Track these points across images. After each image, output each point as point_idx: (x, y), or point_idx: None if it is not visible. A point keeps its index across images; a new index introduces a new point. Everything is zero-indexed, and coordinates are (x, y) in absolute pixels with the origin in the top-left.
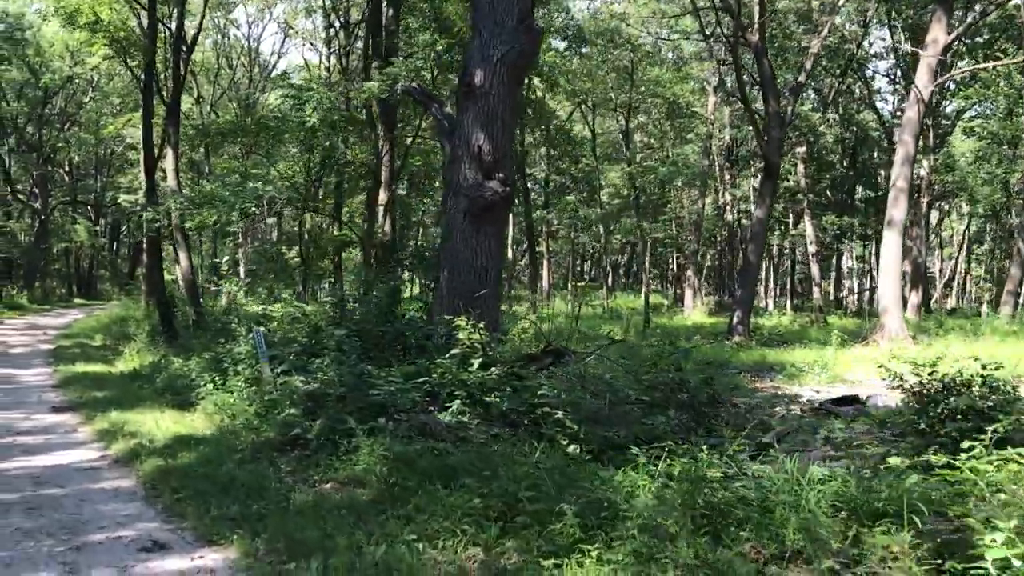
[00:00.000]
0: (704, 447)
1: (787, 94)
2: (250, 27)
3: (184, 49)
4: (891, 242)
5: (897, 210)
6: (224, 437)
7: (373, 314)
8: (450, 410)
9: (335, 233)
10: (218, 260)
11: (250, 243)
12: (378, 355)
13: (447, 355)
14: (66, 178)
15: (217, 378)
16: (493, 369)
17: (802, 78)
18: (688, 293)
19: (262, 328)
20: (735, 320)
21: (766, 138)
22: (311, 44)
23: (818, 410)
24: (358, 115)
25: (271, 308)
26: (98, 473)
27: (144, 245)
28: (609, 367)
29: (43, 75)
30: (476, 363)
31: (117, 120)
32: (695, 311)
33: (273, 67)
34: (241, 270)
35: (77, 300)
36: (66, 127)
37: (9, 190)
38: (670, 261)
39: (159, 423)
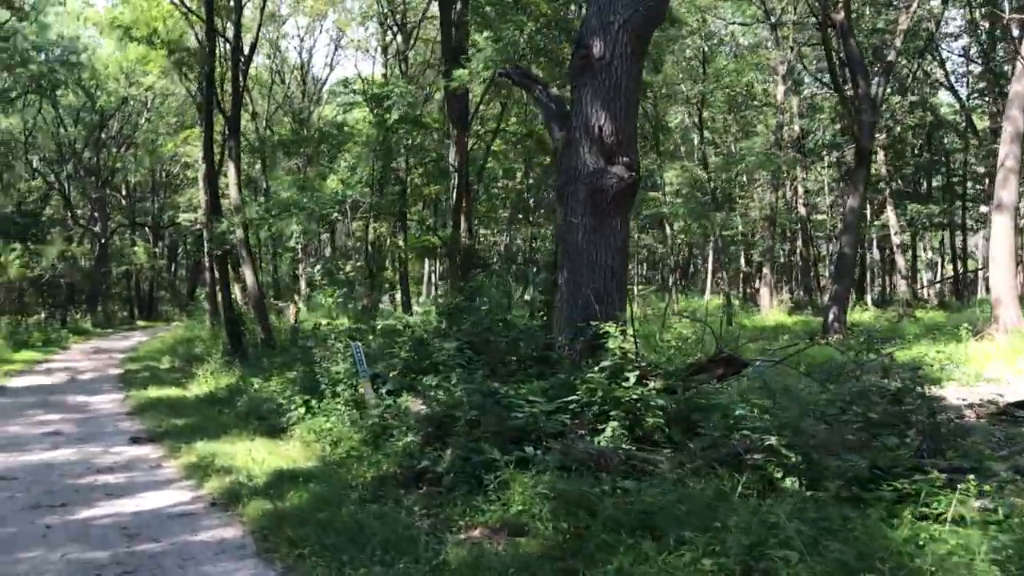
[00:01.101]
0: (972, 479)
1: (877, 75)
2: (302, 40)
3: (242, 60)
4: (1002, 227)
5: (1007, 192)
6: (332, 471)
7: (484, 324)
8: (604, 434)
9: (414, 239)
10: (278, 277)
11: (308, 259)
12: (501, 370)
13: (596, 368)
14: (123, 201)
15: (310, 401)
16: (652, 383)
17: (892, 56)
18: (764, 291)
19: (360, 343)
20: (831, 317)
21: (856, 123)
22: (365, 51)
23: (1000, 415)
24: (429, 116)
25: (348, 321)
26: (195, 521)
27: (206, 264)
28: (784, 377)
29: (99, 98)
30: (632, 376)
31: (175, 137)
32: (772, 310)
33: (325, 80)
34: (302, 286)
35: (139, 323)
36: (122, 149)
37: (69, 215)
38: (739, 259)
39: (253, 455)
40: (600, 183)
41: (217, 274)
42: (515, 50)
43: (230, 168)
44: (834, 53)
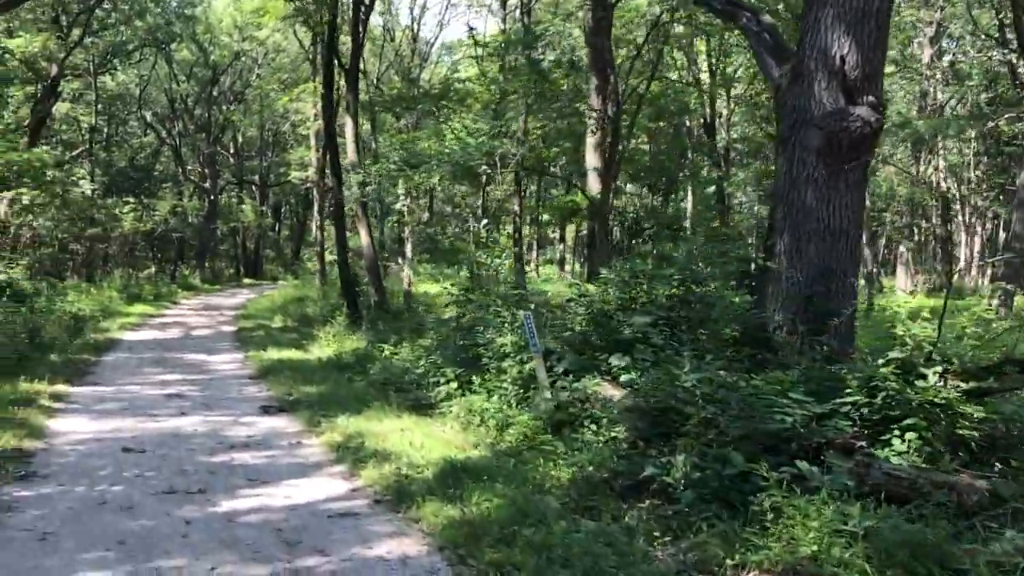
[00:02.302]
0: None
1: None
2: None
3: (363, 8)
4: None
5: None
6: (512, 466)
7: (678, 295)
8: (893, 447)
9: (560, 199)
10: (384, 239)
11: (414, 223)
12: (708, 353)
13: (880, 360)
14: (231, 159)
15: (466, 375)
16: (956, 383)
17: None
18: (900, 272)
19: (531, 312)
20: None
21: None
22: (479, 8)
23: None
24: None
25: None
26: (362, 525)
27: (316, 223)
28: None
29: (212, 53)
30: (931, 374)
31: (290, 91)
32: (907, 292)
33: (436, 38)
34: (408, 250)
35: (246, 280)
36: (233, 106)
37: (180, 171)
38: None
39: (408, 438)
40: (838, 127)
41: (326, 234)
42: None
43: (347, 124)
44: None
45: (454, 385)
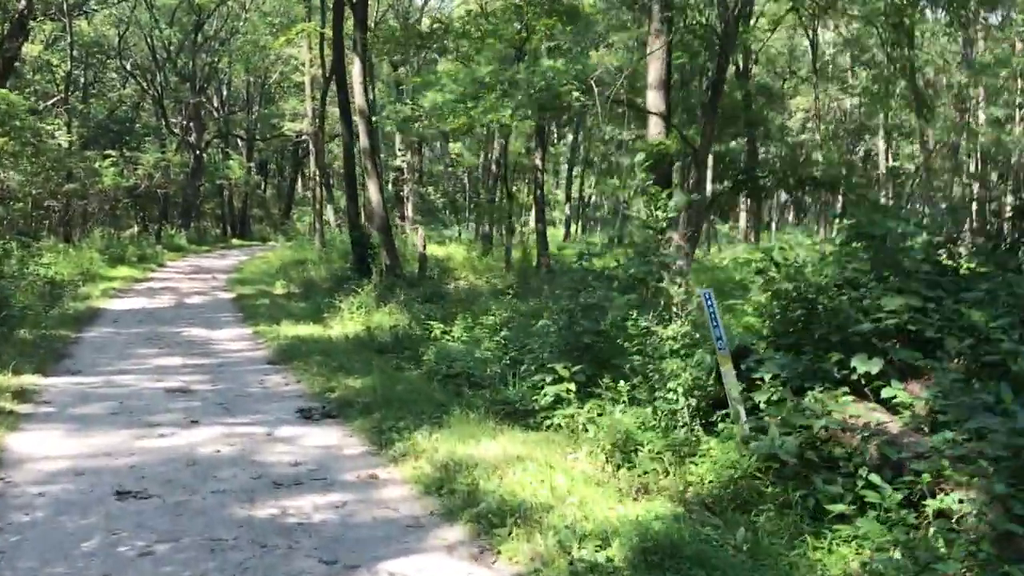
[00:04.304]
0: None
1: None
2: None
3: None
4: None
5: None
6: (739, 543)
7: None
8: None
9: (651, 144)
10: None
11: (412, 180)
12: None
13: None
14: (215, 113)
15: (584, 373)
16: None
17: None
18: None
19: (710, 289)
20: None
21: None
22: None
23: None
24: None
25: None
26: None
27: (315, 179)
28: None
29: None
30: None
31: (285, 31)
32: None
33: None
34: (408, 209)
35: (234, 241)
36: (219, 54)
37: (164, 124)
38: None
39: (537, 474)
40: None
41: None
42: None
43: (355, 65)
44: None
45: (567, 388)
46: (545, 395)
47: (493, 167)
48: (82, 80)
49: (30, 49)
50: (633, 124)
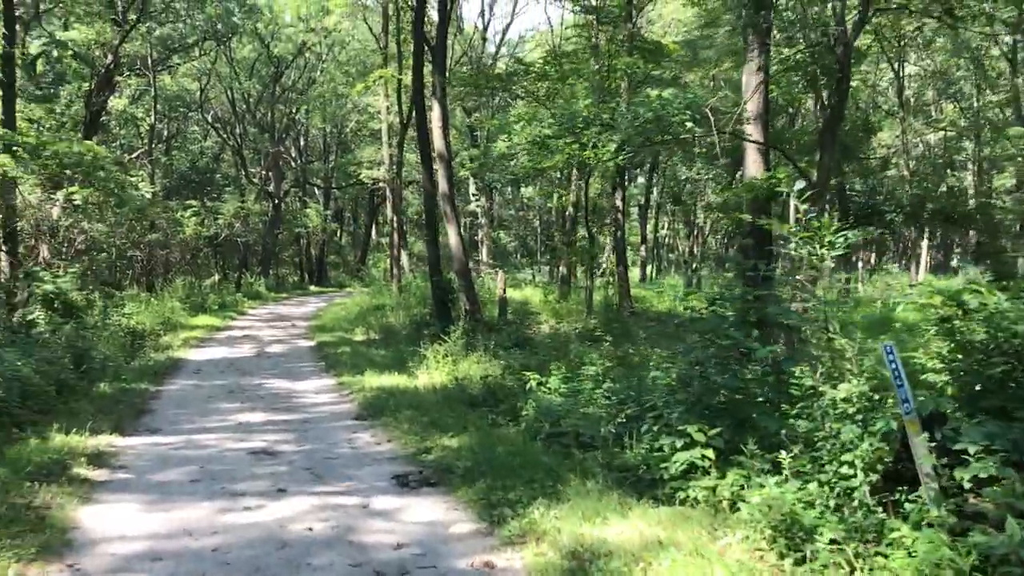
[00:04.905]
0: None
1: None
2: None
3: None
4: None
5: None
6: None
7: None
8: None
9: (765, 177)
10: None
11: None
12: None
13: None
14: (292, 162)
15: (721, 437)
16: None
17: None
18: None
19: (892, 343)
20: None
21: None
22: None
23: None
24: None
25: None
26: None
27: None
28: None
29: (275, 47)
30: None
31: (365, 79)
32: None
33: (508, 26)
34: (483, 253)
35: (312, 288)
36: (297, 104)
37: (243, 173)
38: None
39: (682, 565)
40: None
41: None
42: None
43: (434, 109)
44: None
45: (703, 454)
46: (676, 462)
47: (570, 209)
48: (165, 133)
49: (115, 103)
50: (721, 160)
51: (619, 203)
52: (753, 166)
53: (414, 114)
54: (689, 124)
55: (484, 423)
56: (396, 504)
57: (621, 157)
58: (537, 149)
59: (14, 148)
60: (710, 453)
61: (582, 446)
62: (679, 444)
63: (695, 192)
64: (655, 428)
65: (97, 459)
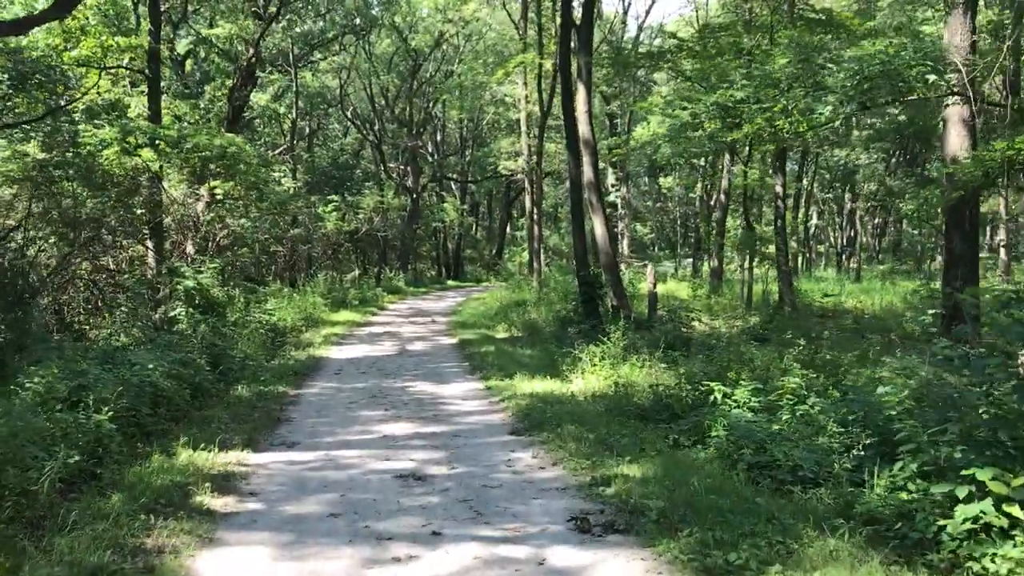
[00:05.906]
0: None
1: None
2: None
3: None
4: None
5: None
6: None
7: None
8: None
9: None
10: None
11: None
12: None
13: None
14: (429, 157)
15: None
16: None
17: None
18: None
19: None
20: None
21: None
22: None
23: None
24: None
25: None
26: None
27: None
28: None
29: (412, 40)
30: None
31: (504, 65)
32: None
33: (650, 8)
34: (624, 246)
35: (449, 282)
36: (435, 96)
37: (382, 169)
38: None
39: None
40: None
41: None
42: None
43: (579, 93)
44: None
45: (1001, 509)
46: (959, 515)
47: (721, 197)
48: (307, 129)
49: (258, 99)
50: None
51: (779, 189)
52: (955, 142)
53: (555, 101)
54: (932, 77)
55: (664, 444)
56: (580, 560)
57: (839, 120)
58: (720, 120)
59: (157, 142)
60: (1016, 510)
61: (800, 481)
62: (961, 493)
63: (848, 179)
64: (914, 466)
65: (225, 483)
